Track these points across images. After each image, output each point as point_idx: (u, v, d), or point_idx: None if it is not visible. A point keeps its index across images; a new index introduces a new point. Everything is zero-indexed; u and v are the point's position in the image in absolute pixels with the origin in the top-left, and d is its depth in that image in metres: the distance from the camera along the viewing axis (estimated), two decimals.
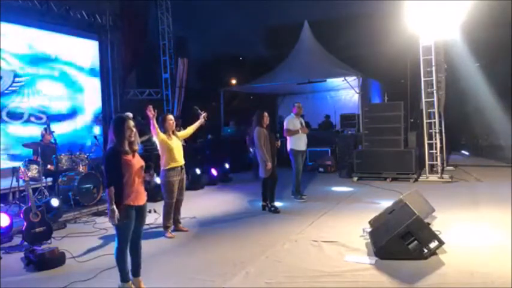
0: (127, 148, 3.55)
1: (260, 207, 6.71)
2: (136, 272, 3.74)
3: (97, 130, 10.62)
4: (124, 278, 3.67)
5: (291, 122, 7.35)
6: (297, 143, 7.25)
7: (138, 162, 3.65)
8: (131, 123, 3.60)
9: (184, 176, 5.61)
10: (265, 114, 6.51)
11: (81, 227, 6.09)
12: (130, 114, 3.44)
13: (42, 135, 7.42)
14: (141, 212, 3.69)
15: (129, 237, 3.61)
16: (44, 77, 9.60)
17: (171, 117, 5.49)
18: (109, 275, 4.04)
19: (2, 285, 3.96)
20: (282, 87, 13.97)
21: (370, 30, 15.91)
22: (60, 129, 9.55)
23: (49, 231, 5.27)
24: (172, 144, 5.38)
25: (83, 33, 10.68)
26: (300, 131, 7.26)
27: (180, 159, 5.46)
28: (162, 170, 5.39)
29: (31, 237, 5.04)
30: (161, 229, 5.57)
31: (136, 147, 3.70)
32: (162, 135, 5.32)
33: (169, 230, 5.49)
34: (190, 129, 5.88)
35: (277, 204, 6.77)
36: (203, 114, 5.81)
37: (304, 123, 7.56)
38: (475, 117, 12.51)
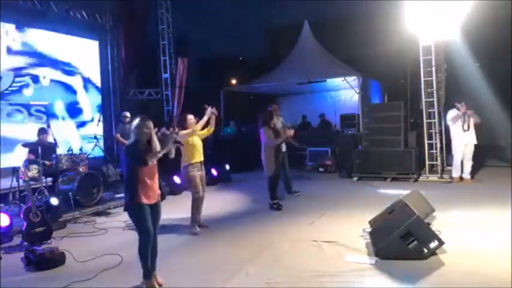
0: (142, 147, 3.70)
1: (260, 207, 6.69)
2: (152, 265, 3.83)
3: (97, 130, 10.60)
4: (146, 275, 3.72)
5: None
6: None
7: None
8: (148, 125, 3.73)
9: (204, 172, 5.78)
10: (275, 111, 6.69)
11: (81, 227, 6.10)
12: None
13: (38, 135, 7.37)
14: (154, 210, 3.81)
15: (151, 229, 3.70)
16: (44, 77, 9.61)
17: (191, 116, 5.66)
18: (109, 275, 4.04)
19: (2, 285, 3.96)
20: (282, 87, 13.95)
21: (370, 31, 15.91)
22: (59, 129, 9.55)
23: (49, 231, 5.28)
24: (194, 142, 5.56)
25: (83, 33, 10.68)
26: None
27: (200, 156, 5.63)
28: (183, 167, 5.51)
29: (31, 237, 5.05)
30: (162, 229, 5.56)
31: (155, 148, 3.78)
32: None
33: (196, 226, 5.55)
34: (199, 126, 5.76)
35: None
36: (208, 109, 5.79)
37: (283, 124, 7.41)
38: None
